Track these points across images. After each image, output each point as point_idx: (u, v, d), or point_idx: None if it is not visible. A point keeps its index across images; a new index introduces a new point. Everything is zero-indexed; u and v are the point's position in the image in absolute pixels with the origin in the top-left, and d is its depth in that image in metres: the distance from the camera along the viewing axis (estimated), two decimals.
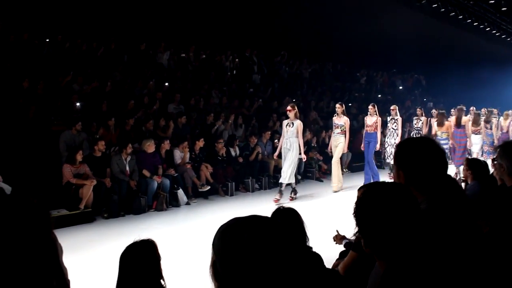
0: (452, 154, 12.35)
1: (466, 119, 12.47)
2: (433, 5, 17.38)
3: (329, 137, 13.27)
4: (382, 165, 13.67)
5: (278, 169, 11.41)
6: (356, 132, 13.66)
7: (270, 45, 17.24)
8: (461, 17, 18.26)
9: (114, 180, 8.44)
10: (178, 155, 9.74)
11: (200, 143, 10.09)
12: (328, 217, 7.85)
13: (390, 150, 11.86)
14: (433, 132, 12.36)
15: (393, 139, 11.70)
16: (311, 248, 2.95)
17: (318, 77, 18.83)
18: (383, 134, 12.52)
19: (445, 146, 12.31)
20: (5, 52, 10.44)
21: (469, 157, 10.31)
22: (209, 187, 9.70)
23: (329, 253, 4.17)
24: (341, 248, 4.22)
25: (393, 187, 1.66)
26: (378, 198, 1.59)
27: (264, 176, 11.01)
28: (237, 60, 15.95)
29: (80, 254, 6.05)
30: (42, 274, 1.05)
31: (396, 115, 11.71)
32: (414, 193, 1.71)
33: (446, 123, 11.97)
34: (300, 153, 9.67)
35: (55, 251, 1.02)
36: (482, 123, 13.23)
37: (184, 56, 14.68)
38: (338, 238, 4.28)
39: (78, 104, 10.20)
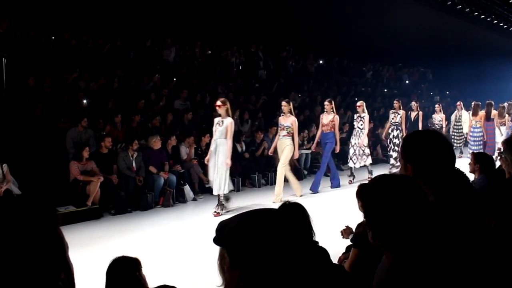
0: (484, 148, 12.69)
1: (496, 113, 13.20)
2: None
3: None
4: (388, 159, 13.38)
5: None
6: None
7: (275, 41, 17.21)
8: (468, 10, 18.13)
9: (121, 177, 8.47)
10: (184, 151, 9.76)
11: (206, 139, 10.09)
12: (334, 212, 7.85)
13: (355, 151, 10.84)
14: (468, 123, 13.83)
15: (358, 139, 10.77)
16: (317, 242, 2.94)
17: (324, 72, 18.78)
18: (376, 131, 12.77)
19: (479, 134, 12.96)
20: (11, 50, 10.47)
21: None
22: None
23: (336, 248, 4.17)
24: (347, 242, 4.22)
25: (402, 180, 1.65)
26: (387, 190, 1.59)
27: (270, 171, 11.01)
28: (242, 56, 15.89)
29: (87, 250, 6.08)
30: (49, 270, 1.05)
31: (364, 112, 10.82)
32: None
33: (480, 113, 13.03)
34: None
35: (62, 248, 1.03)
36: (507, 115, 13.45)
37: (189, 54, 14.66)
38: (346, 233, 4.28)
39: (84, 101, 10.24)
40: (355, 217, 4.01)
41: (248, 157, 10.84)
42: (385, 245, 1.59)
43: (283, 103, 9.29)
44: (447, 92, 22.28)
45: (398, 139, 11.34)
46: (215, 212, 7.89)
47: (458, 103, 14.97)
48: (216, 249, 1.42)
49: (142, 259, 3.11)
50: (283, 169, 9.04)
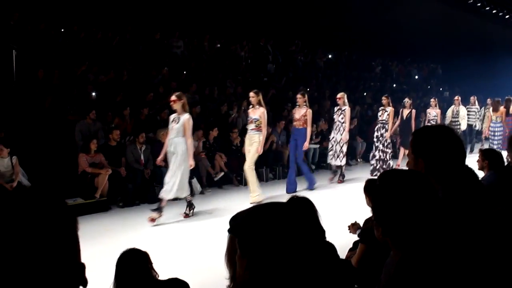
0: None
1: None
2: None
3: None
4: (396, 155, 13.31)
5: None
6: (371, 121, 13.57)
7: (284, 35, 17.15)
8: (479, 4, 17.98)
9: (129, 169, 8.51)
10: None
11: (214, 133, 10.11)
12: (342, 207, 7.84)
13: (336, 148, 10.14)
14: (487, 120, 13.91)
15: (339, 135, 10.05)
16: (324, 237, 2.95)
17: (333, 67, 18.71)
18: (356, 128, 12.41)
19: (500, 129, 12.96)
20: (22, 42, 10.52)
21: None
22: (223, 173, 9.75)
23: (343, 243, 4.17)
24: (354, 237, 4.21)
25: (412, 175, 1.64)
26: (397, 185, 1.58)
27: (278, 165, 11.02)
28: (247, 49, 15.80)
29: (95, 242, 6.12)
30: (60, 268, 1.05)
31: (345, 104, 10.07)
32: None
33: (501, 109, 13.03)
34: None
35: (75, 248, 1.03)
36: None
37: (198, 47, 14.64)
38: (354, 228, 4.27)
39: (93, 93, 10.28)
40: (362, 212, 4.00)
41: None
42: (394, 241, 1.58)
43: (251, 94, 8.48)
44: (457, 88, 22.12)
45: (384, 139, 10.87)
46: (150, 217, 7.10)
47: (456, 97, 14.55)
48: (223, 242, 1.44)
49: (149, 251, 3.14)
50: (250, 169, 8.37)
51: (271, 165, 10.98)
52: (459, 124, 14.03)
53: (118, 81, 11.19)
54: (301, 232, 1.36)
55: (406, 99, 12.18)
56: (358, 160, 13.35)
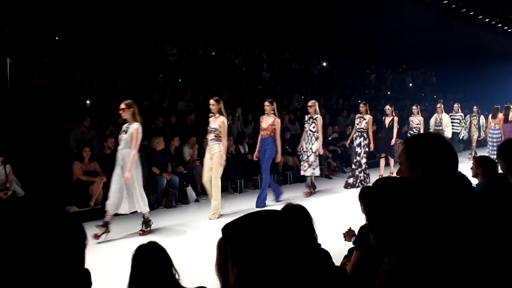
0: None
1: None
2: (444, 1, 17.27)
3: (338, 134, 13.25)
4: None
5: (286, 166, 11.43)
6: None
7: (279, 43, 17.22)
8: (472, 13, 18.13)
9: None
10: (187, 152, 9.77)
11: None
12: (337, 214, 7.84)
13: (302, 156, 9.75)
14: (488, 125, 14.19)
15: (310, 144, 9.58)
16: (319, 244, 2.95)
17: (328, 74, 18.78)
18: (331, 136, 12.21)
19: (498, 136, 13.13)
20: (16, 51, 10.50)
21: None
22: None
23: (338, 250, 4.17)
24: (349, 245, 4.22)
25: (405, 182, 1.65)
26: (390, 192, 1.58)
27: (273, 173, 11.00)
28: (241, 57, 15.84)
29: (90, 251, 6.07)
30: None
31: (316, 113, 9.60)
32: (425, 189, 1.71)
33: (499, 115, 13.35)
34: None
35: (81, 262, 1.04)
36: None
37: (193, 55, 14.67)
38: (349, 235, 4.27)
39: (88, 101, 10.27)
40: (357, 219, 4.01)
41: (250, 159, 10.84)
42: (388, 248, 1.59)
43: (211, 101, 7.97)
44: (451, 95, 22.23)
45: (362, 148, 10.55)
46: (140, 231, 7.00)
47: (438, 105, 14.24)
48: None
49: None
50: (216, 187, 7.84)
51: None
52: (443, 132, 13.57)
53: (112, 89, 11.18)
54: (295, 240, 1.36)
55: (387, 106, 11.81)
56: (353, 167, 13.36)
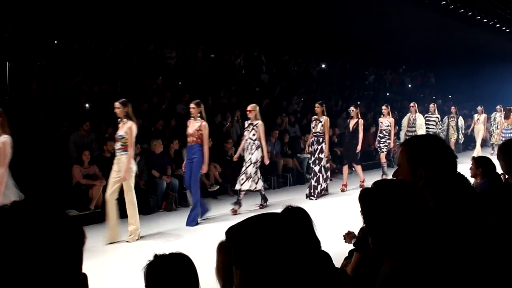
0: None
1: None
2: (442, 2, 17.29)
3: (338, 136, 13.23)
4: (392, 163, 13.28)
5: (286, 168, 11.44)
6: (365, 130, 13.47)
7: (278, 44, 17.23)
8: (470, 14, 18.15)
9: None
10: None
11: (209, 143, 10.10)
12: (337, 216, 7.84)
13: (248, 171, 8.41)
14: (500, 125, 14.42)
15: (250, 154, 8.44)
16: (320, 246, 2.95)
17: (327, 76, 18.79)
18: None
19: (510, 136, 13.09)
20: (16, 55, 10.51)
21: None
22: (218, 187, 9.71)
23: (338, 252, 4.17)
24: (350, 246, 4.21)
25: (401, 185, 1.65)
26: (386, 195, 1.59)
27: (272, 175, 11.01)
28: (240, 60, 15.82)
29: (90, 254, 6.08)
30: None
31: (256, 118, 8.44)
32: (425, 191, 1.72)
33: None
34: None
35: (79, 263, 1.04)
36: None
37: (192, 57, 14.68)
38: (349, 237, 4.26)
39: (87, 105, 10.27)
40: (358, 221, 4.01)
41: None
42: (385, 250, 1.59)
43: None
44: (450, 96, 22.26)
45: (318, 155, 9.57)
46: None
47: (411, 104, 13.14)
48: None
49: (145, 262, 3.10)
50: (132, 199, 6.69)
51: (266, 176, 10.96)
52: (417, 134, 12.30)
53: (112, 92, 11.18)
54: (295, 242, 1.37)
55: (352, 108, 10.74)
56: (353, 169, 13.34)
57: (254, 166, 8.41)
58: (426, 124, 13.10)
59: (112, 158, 8.68)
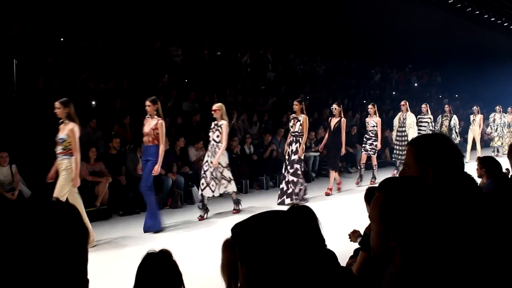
0: None
1: None
2: (449, 1, 17.21)
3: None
4: (396, 164, 13.13)
5: None
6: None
7: (284, 43, 17.21)
8: (478, 12, 18.05)
9: (129, 178, 8.51)
10: (193, 153, 9.78)
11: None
12: (343, 214, 7.83)
13: (215, 174, 7.79)
14: None
15: (212, 158, 7.76)
16: (325, 245, 2.95)
17: (332, 75, 18.75)
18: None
19: None
20: (23, 52, 10.55)
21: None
22: None
23: (344, 251, 4.17)
24: (356, 245, 4.21)
25: (418, 182, 1.62)
26: (406, 193, 1.55)
27: (278, 173, 11.00)
28: (246, 58, 15.81)
29: (96, 251, 6.11)
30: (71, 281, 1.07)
31: (222, 118, 7.85)
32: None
33: None
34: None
35: (85, 260, 1.05)
36: None
37: (195, 52, 14.69)
38: (354, 236, 4.26)
39: (93, 102, 10.30)
40: (363, 220, 4.01)
41: (256, 159, 10.84)
42: (394, 250, 1.56)
43: (56, 104, 6.32)
44: (456, 95, 22.16)
45: (291, 157, 8.78)
46: None
47: (402, 103, 12.16)
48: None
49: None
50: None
51: (271, 173, 10.98)
52: (406, 135, 11.61)
53: (118, 89, 11.21)
54: (301, 240, 1.37)
55: (334, 106, 9.92)
56: (358, 167, 13.32)
57: (218, 170, 7.84)
58: (419, 125, 12.43)
59: (118, 155, 8.76)
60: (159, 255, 2.75)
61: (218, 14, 15.38)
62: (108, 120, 9.74)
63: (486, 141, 16.78)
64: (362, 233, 4.04)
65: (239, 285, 1.46)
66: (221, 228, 7.05)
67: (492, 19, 18.82)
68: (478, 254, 1.80)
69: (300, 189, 8.83)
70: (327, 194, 9.86)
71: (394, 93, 19.73)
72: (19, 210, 1.05)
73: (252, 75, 15.57)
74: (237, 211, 8.23)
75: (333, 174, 9.94)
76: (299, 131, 8.83)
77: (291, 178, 8.72)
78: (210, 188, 7.74)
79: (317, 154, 11.97)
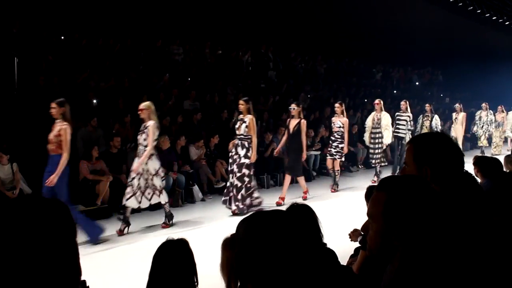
0: None
1: None
2: None
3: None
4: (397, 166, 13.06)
5: None
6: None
7: (285, 41, 17.20)
8: (479, 11, 18.01)
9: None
10: (193, 151, 9.79)
11: (215, 140, 10.12)
12: (343, 213, 7.83)
13: (148, 182, 6.92)
14: None
15: (143, 163, 6.87)
16: (325, 244, 2.95)
17: (334, 73, 18.74)
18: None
19: None
20: (24, 50, 10.55)
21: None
22: (224, 183, 9.72)
23: (344, 250, 4.17)
24: (356, 244, 4.21)
25: (420, 181, 1.62)
26: (410, 193, 1.54)
27: (279, 172, 11.01)
28: (248, 56, 15.79)
29: (97, 249, 6.11)
30: (64, 277, 1.07)
31: (150, 118, 6.97)
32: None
33: None
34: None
35: (76, 253, 1.06)
36: None
37: (196, 50, 14.69)
38: (355, 235, 4.26)
39: (94, 101, 10.30)
40: (363, 219, 4.00)
41: (256, 158, 10.83)
42: (393, 248, 1.56)
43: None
44: (458, 94, 22.13)
45: (240, 160, 7.96)
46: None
47: (376, 102, 11.21)
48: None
49: (149, 258, 3.12)
50: None
51: (272, 172, 10.98)
52: (381, 137, 10.85)
53: (119, 88, 11.21)
54: (301, 239, 1.36)
55: (293, 105, 8.98)
56: (360, 166, 13.33)
57: (151, 176, 6.97)
58: (396, 123, 11.52)
59: (119, 154, 8.76)
60: (177, 243, 2.88)
61: (219, 12, 15.38)
62: (109, 119, 9.74)
63: (474, 142, 16.37)
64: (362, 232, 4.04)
65: (238, 284, 1.46)
66: (221, 227, 7.05)
67: (494, 17, 18.79)
68: (477, 253, 1.80)
69: (252, 200, 8.04)
70: (279, 204, 8.67)
71: (395, 91, 19.71)
72: (9, 207, 1.06)
73: (253, 74, 15.56)
74: (166, 225, 7.31)
75: (299, 180, 9.18)
76: (245, 134, 8.00)
77: (236, 182, 7.92)
78: (136, 199, 6.90)
79: (318, 153, 11.96)
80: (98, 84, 10.94)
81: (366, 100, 16.92)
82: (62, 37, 12.02)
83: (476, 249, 1.83)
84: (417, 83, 21.89)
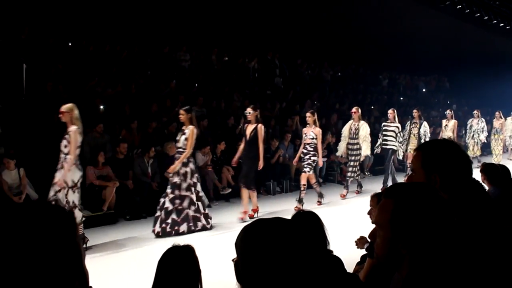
0: None
1: None
2: (458, 6, 17.13)
3: None
4: (404, 169, 12.97)
5: (299, 172, 11.39)
6: (376, 136, 12.90)
7: (291, 48, 17.23)
8: (486, 18, 17.96)
9: (136, 182, 8.53)
10: (200, 157, 9.79)
11: (222, 146, 10.12)
12: (349, 221, 7.80)
13: (54, 196, 6.11)
14: None
15: (59, 173, 6.15)
16: (331, 251, 2.94)
17: (340, 80, 18.74)
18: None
19: None
20: (32, 56, 10.63)
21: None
22: (230, 190, 9.72)
23: (351, 257, 4.15)
24: (362, 252, 4.19)
25: (428, 189, 1.60)
26: (418, 200, 1.53)
27: (285, 179, 11.00)
28: (254, 63, 15.82)
29: (103, 255, 6.11)
30: (65, 278, 1.08)
31: (71, 123, 6.09)
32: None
33: None
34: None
35: (79, 256, 1.06)
36: None
37: (202, 57, 14.74)
38: (361, 242, 4.24)
39: (101, 107, 10.35)
40: (370, 227, 3.98)
41: (263, 165, 10.84)
42: (402, 257, 1.55)
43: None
44: (464, 101, 22.05)
45: (188, 180, 7.26)
46: None
47: (353, 110, 10.27)
48: (230, 255, 1.44)
49: (155, 264, 3.12)
50: None
51: (278, 179, 10.96)
52: (359, 149, 10.03)
53: (126, 94, 11.26)
54: (307, 246, 1.36)
55: (249, 109, 8.18)
56: (366, 173, 13.28)
57: (74, 192, 6.09)
58: (384, 135, 10.77)
59: (126, 160, 8.78)
60: (182, 249, 2.87)
61: (226, 19, 15.43)
62: (115, 125, 9.78)
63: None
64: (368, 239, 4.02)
65: None
66: (227, 233, 7.04)
67: (501, 24, 18.71)
68: (486, 261, 1.78)
69: (200, 215, 7.35)
70: (242, 219, 7.85)
71: (402, 98, 19.67)
72: (12, 212, 1.07)
73: (259, 80, 15.59)
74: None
75: (250, 194, 8.11)
76: (184, 147, 7.20)
77: (195, 202, 7.32)
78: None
79: (324, 159, 11.94)
80: (105, 90, 11.00)
81: (372, 107, 16.90)
82: (70, 44, 12.11)
83: (485, 257, 1.81)
84: (423, 90, 21.84)
